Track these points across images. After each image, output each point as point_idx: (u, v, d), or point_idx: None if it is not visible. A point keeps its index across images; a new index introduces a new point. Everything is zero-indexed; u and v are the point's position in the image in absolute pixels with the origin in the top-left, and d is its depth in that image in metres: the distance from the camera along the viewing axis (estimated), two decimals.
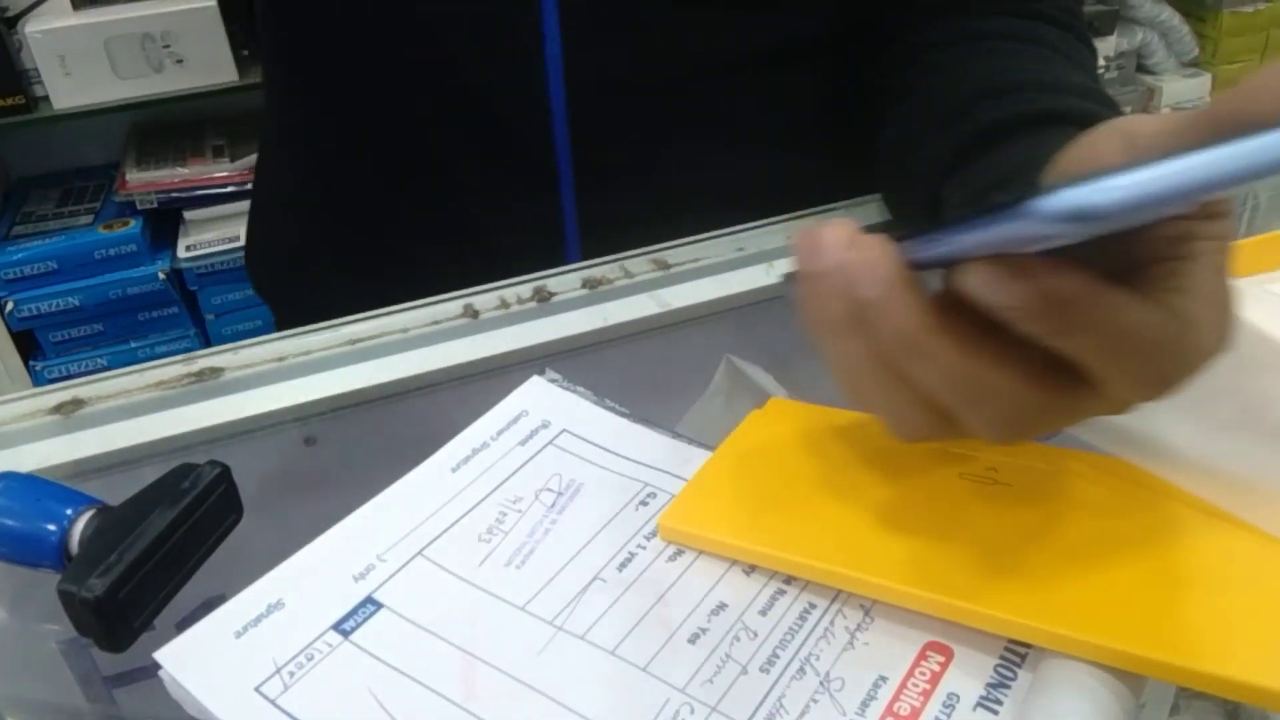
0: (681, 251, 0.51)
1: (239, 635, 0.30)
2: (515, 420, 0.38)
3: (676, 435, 0.38)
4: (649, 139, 0.52)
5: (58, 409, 0.43)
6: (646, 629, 0.29)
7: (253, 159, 1.39)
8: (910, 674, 0.27)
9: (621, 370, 0.46)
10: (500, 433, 0.38)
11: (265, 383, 0.45)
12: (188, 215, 1.40)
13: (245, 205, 1.37)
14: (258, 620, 0.30)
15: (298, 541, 0.34)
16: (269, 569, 0.32)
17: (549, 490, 0.35)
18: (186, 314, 1.43)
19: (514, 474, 0.36)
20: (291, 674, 0.28)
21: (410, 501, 0.35)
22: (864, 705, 0.27)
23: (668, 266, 0.50)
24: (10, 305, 1.34)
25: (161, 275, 1.38)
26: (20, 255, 1.33)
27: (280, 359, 0.46)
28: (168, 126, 1.46)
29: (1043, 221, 0.19)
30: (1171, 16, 1.57)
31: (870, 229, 0.27)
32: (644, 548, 0.32)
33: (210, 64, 1.32)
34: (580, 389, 0.41)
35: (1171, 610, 0.26)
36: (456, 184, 0.53)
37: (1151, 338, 0.23)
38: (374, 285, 0.50)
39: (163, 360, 0.45)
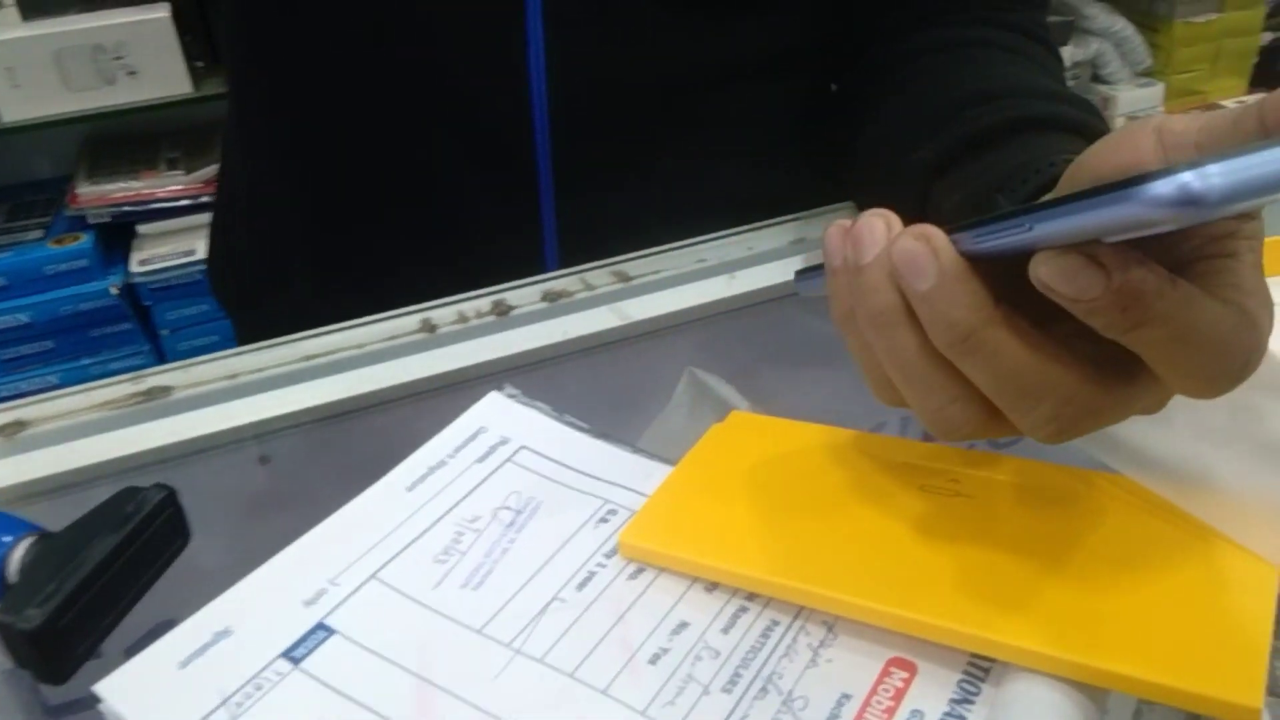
0: (642, 263, 0.51)
1: (183, 665, 0.29)
2: (473, 437, 0.38)
3: (637, 450, 0.37)
4: (631, 147, 0.52)
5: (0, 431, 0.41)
6: (606, 650, 0.29)
7: (209, 171, 1.37)
8: (874, 691, 0.27)
9: (582, 384, 0.46)
10: (457, 450, 0.37)
11: (217, 401, 0.44)
12: (141, 229, 1.38)
13: (201, 219, 1.35)
14: (203, 649, 0.29)
15: (252, 564, 0.33)
16: (222, 592, 0.31)
17: (507, 508, 0.34)
18: (140, 330, 1.41)
19: (471, 492, 0.35)
20: (239, 705, 0.28)
21: (364, 522, 0.34)
22: None
23: (628, 278, 0.50)
24: None
25: (114, 290, 1.35)
26: None
27: (233, 376, 0.45)
28: (120, 139, 1.44)
29: (1152, 205, 0.18)
30: (1125, 27, 1.60)
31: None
32: (604, 566, 0.32)
33: (164, 75, 1.30)
34: (539, 404, 0.40)
35: (1135, 623, 0.26)
36: (436, 189, 0.52)
37: (1221, 333, 0.22)
38: (349, 295, 0.49)
39: (110, 379, 0.44)
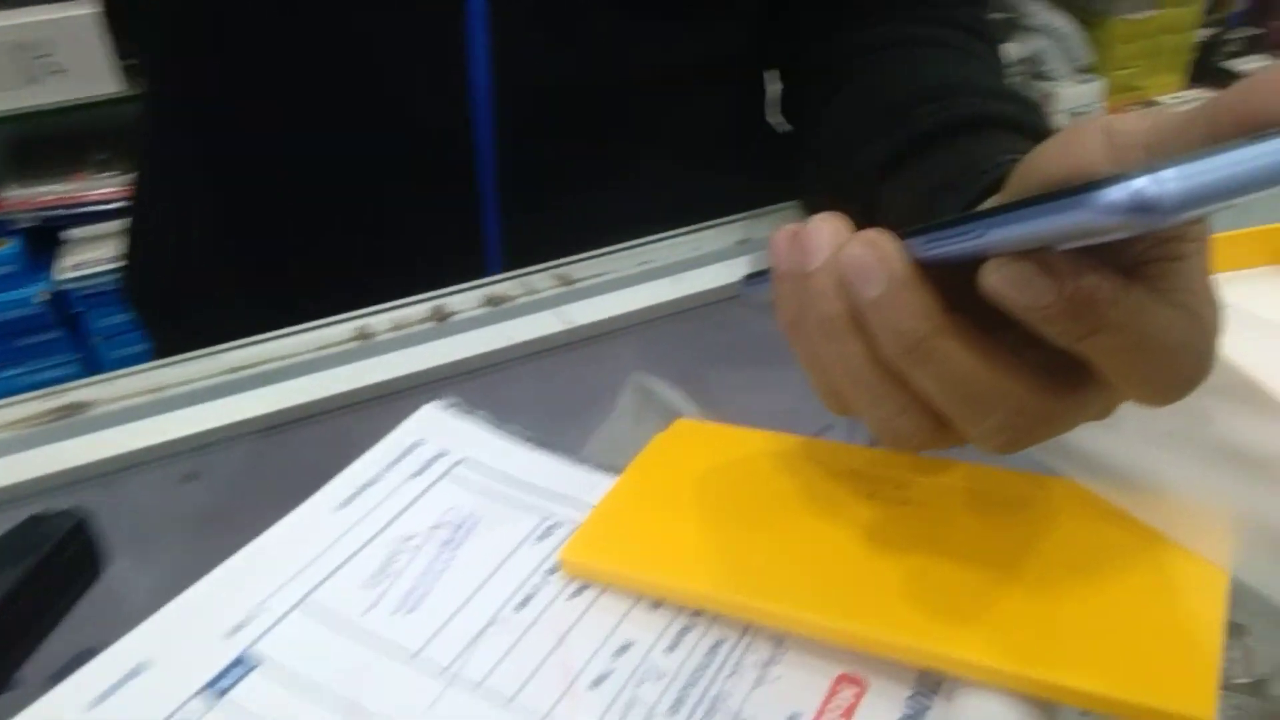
0: (586, 266, 0.49)
1: (96, 703, 0.27)
2: (409, 451, 0.36)
3: (581, 461, 0.36)
4: (576, 150, 0.51)
5: None
6: (547, 674, 0.28)
7: None
8: (823, 710, 0.26)
9: (525, 392, 0.45)
10: (392, 465, 0.35)
11: (140, 416, 0.42)
12: (70, 233, 1.33)
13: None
14: (118, 686, 0.27)
15: (178, 589, 0.31)
16: (145, 620, 0.30)
17: (444, 525, 0.33)
18: (69, 339, 1.36)
19: (406, 509, 0.33)
20: None
21: (291, 545, 0.32)
22: None
23: (572, 282, 0.49)
24: None
25: (44, 297, 1.30)
26: None
27: (157, 390, 0.43)
28: (48, 140, 1.38)
29: (1106, 212, 0.18)
30: (1065, 24, 1.62)
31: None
32: (545, 585, 0.31)
33: (91, 74, 1.25)
34: (480, 413, 0.39)
35: (1086, 634, 0.25)
36: (374, 194, 0.51)
37: (1175, 340, 0.22)
38: (280, 304, 0.47)
39: (22, 395, 0.42)
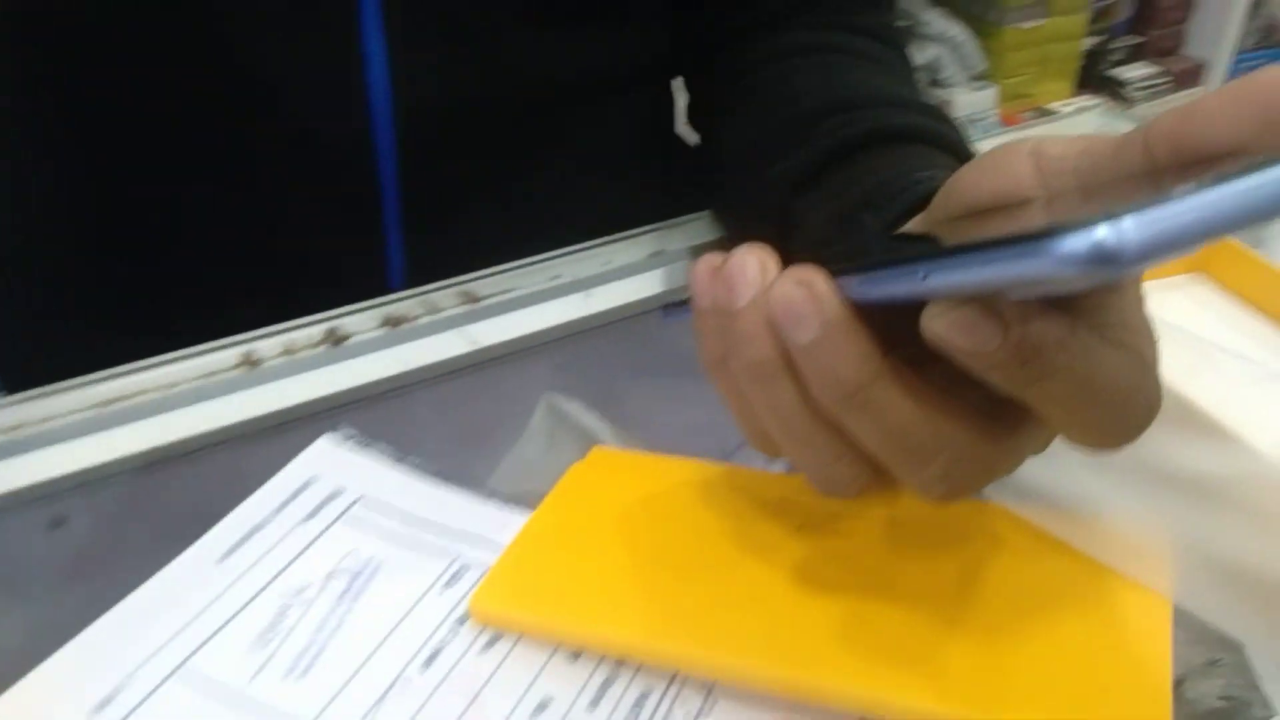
0: (492, 282, 0.47)
1: None
2: (300, 491, 0.33)
3: (490, 496, 0.34)
4: (480, 164, 0.49)
5: None
6: None
7: None
8: None
9: (428, 420, 0.42)
10: (281, 507, 0.32)
11: None
12: None
13: None
14: None
15: (42, 654, 0.28)
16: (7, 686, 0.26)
17: (340, 574, 0.30)
18: None
19: (297, 558, 0.31)
20: None
21: (166, 603, 0.29)
22: None
23: (477, 299, 0.46)
24: None
25: None
26: None
27: (14, 428, 0.39)
28: None
29: (1058, 263, 0.16)
30: (960, 33, 1.66)
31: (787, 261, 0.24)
32: (453, 637, 0.28)
33: None
34: (379, 445, 0.36)
35: (1031, 671, 0.24)
36: (266, 212, 0.48)
37: (1122, 384, 0.21)
38: (150, 330, 0.43)
39: None
